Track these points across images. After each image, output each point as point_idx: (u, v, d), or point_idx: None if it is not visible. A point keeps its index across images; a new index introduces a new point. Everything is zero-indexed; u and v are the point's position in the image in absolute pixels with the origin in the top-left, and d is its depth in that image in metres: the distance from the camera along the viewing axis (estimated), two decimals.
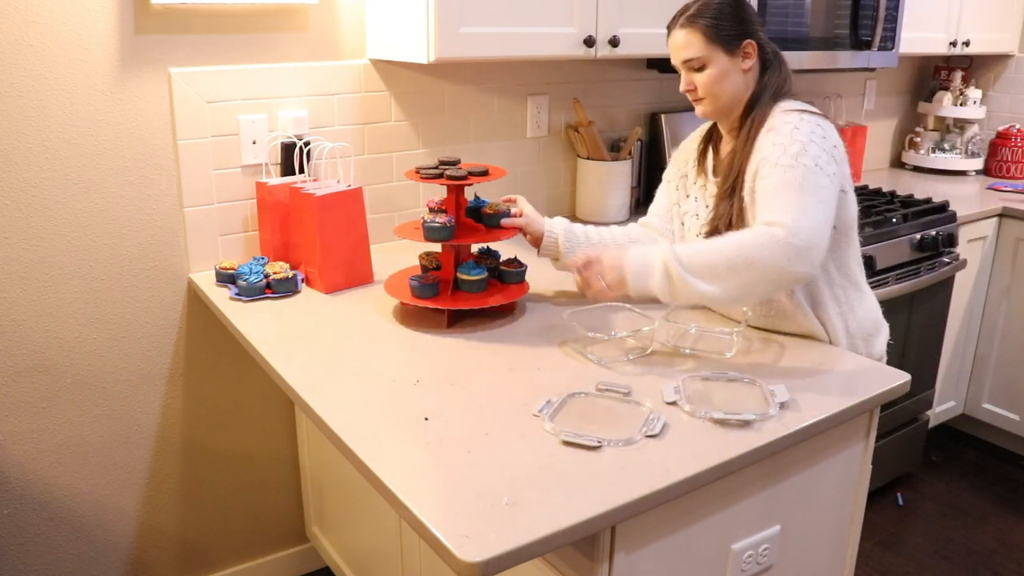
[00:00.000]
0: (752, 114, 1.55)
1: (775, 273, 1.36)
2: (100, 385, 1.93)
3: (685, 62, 1.55)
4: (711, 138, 1.70)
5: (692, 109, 1.62)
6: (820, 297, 1.56)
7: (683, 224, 1.72)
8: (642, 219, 1.86)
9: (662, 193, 1.81)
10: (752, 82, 1.56)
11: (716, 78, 1.54)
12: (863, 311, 1.63)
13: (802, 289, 1.54)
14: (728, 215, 1.54)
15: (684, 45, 1.54)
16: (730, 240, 1.41)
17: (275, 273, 1.79)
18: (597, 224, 1.82)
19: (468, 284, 1.64)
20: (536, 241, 1.74)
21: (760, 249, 1.35)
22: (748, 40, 1.53)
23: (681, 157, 1.77)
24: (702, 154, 1.69)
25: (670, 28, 1.57)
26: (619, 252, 1.47)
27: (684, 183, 1.73)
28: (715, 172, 1.65)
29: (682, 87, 1.59)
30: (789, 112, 1.52)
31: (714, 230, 1.57)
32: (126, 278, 1.90)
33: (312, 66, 2.01)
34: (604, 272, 1.47)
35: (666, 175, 1.82)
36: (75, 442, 1.93)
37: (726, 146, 1.64)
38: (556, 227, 1.74)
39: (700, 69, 1.54)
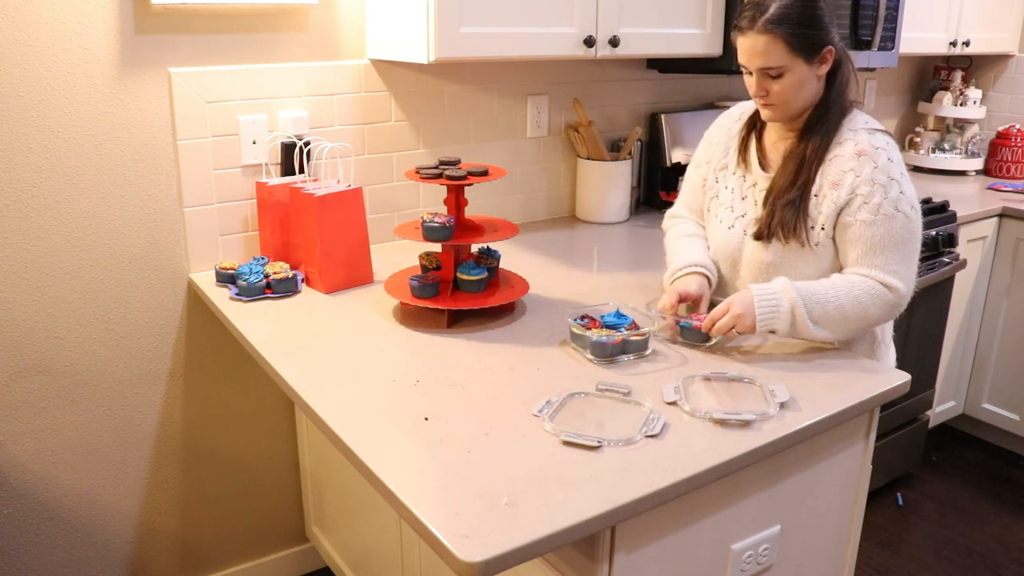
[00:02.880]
0: (826, 120, 1.52)
1: (876, 323, 1.52)
2: (100, 385, 1.93)
3: (762, 69, 1.48)
4: (753, 126, 1.65)
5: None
6: None
7: (715, 215, 1.68)
8: (671, 211, 1.83)
9: (693, 180, 1.76)
10: (822, 84, 1.52)
11: (794, 87, 1.48)
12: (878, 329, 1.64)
13: None
14: (792, 223, 1.52)
15: (763, 52, 1.45)
16: (848, 291, 1.47)
17: (275, 273, 1.79)
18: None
19: (468, 284, 1.64)
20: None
21: (873, 308, 1.47)
22: (828, 47, 1.47)
23: (718, 144, 1.70)
24: (744, 144, 1.65)
25: (743, 28, 1.47)
26: (745, 295, 1.49)
27: (724, 174, 1.68)
28: (762, 167, 1.61)
29: (753, 91, 1.52)
30: (874, 134, 1.50)
31: (765, 234, 1.55)
32: (126, 278, 1.90)
33: (312, 66, 2.01)
34: (734, 319, 1.47)
35: (697, 158, 1.76)
36: (75, 442, 1.93)
37: (779, 142, 1.60)
38: (709, 268, 1.67)
39: (777, 76, 1.47)
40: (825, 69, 1.50)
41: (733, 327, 1.47)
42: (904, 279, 1.48)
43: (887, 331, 1.67)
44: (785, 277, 1.50)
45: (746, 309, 1.47)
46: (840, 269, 1.54)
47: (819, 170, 1.51)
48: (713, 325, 1.48)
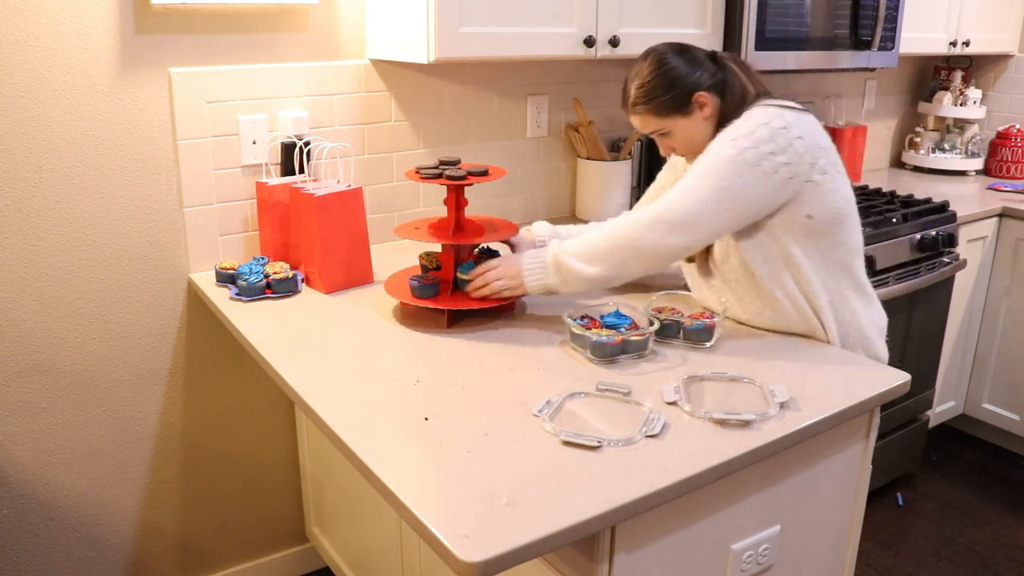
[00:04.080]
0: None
1: (648, 248, 1.49)
2: (100, 385, 1.93)
3: (652, 134, 1.62)
4: None
5: None
6: (812, 291, 1.53)
7: None
8: (638, 204, 1.86)
9: (658, 179, 1.84)
10: (717, 112, 1.57)
11: (687, 137, 1.59)
12: (866, 318, 1.61)
13: (794, 283, 1.53)
14: None
15: (643, 126, 1.61)
16: (616, 222, 1.54)
17: (275, 273, 1.79)
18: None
19: (467, 283, 1.64)
20: None
21: (635, 226, 1.49)
22: (696, 94, 1.55)
23: (673, 168, 1.80)
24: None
25: (623, 111, 1.63)
26: (515, 255, 1.59)
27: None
28: None
29: (662, 152, 1.66)
30: (752, 107, 1.52)
31: None
32: (126, 278, 1.90)
33: (312, 66, 2.01)
34: (502, 274, 1.58)
35: (658, 179, 1.85)
36: (75, 442, 1.93)
37: None
38: (544, 234, 1.80)
39: (668, 134, 1.60)
40: (708, 110, 1.56)
41: (499, 281, 1.56)
42: (674, 193, 1.47)
43: (882, 330, 1.66)
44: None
45: (514, 264, 1.57)
46: (777, 246, 1.52)
47: None
48: (476, 279, 1.58)
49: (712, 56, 1.59)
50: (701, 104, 1.55)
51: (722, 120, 1.56)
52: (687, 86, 1.55)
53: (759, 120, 1.47)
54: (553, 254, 1.54)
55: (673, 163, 1.81)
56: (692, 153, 1.58)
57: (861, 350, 1.60)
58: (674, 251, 1.50)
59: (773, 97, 1.56)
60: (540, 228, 1.83)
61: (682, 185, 1.49)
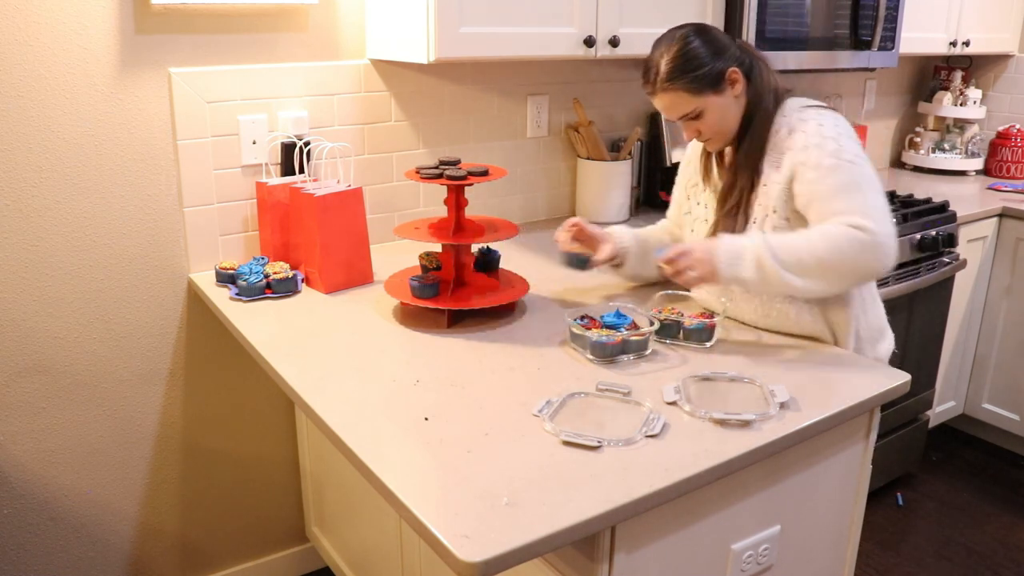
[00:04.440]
0: (754, 121, 1.55)
1: (864, 271, 1.43)
2: (100, 385, 1.93)
3: (681, 117, 1.55)
4: None
5: None
6: (838, 297, 1.54)
7: (692, 231, 1.72)
8: (663, 221, 1.87)
9: (675, 197, 1.83)
10: (745, 97, 1.56)
11: (718, 118, 1.54)
12: (873, 315, 1.63)
13: None
14: (733, 228, 1.56)
15: (673, 106, 1.54)
16: (821, 237, 1.42)
17: (275, 273, 1.79)
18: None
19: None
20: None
21: (851, 249, 1.40)
22: (730, 70, 1.52)
23: (692, 163, 1.76)
24: (706, 162, 1.69)
25: (648, 92, 1.56)
26: (709, 243, 1.48)
27: (695, 191, 1.73)
28: (721, 178, 1.65)
29: (687, 136, 1.60)
30: (804, 109, 1.52)
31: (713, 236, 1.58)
32: (126, 278, 1.90)
33: (312, 66, 2.01)
34: (695, 263, 1.46)
35: (678, 178, 1.82)
36: (75, 442, 1.93)
37: (729, 154, 1.64)
38: (625, 239, 1.76)
39: (698, 117, 1.54)
40: (739, 88, 1.54)
41: (692, 271, 1.45)
42: (873, 218, 1.41)
43: (881, 314, 1.67)
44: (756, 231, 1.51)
45: (707, 254, 1.45)
46: None
47: (763, 163, 1.54)
48: (670, 264, 1.47)
49: (733, 40, 1.58)
50: (733, 81, 1.52)
51: (751, 110, 1.54)
52: (723, 59, 1.51)
53: (831, 120, 1.49)
54: (757, 253, 1.43)
55: (678, 182, 1.79)
56: (720, 137, 1.56)
57: (870, 345, 1.61)
58: (882, 274, 1.46)
59: (797, 95, 1.57)
60: (619, 232, 1.78)
61: (856, 203, 1.42)
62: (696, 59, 1.50)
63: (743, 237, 1.48)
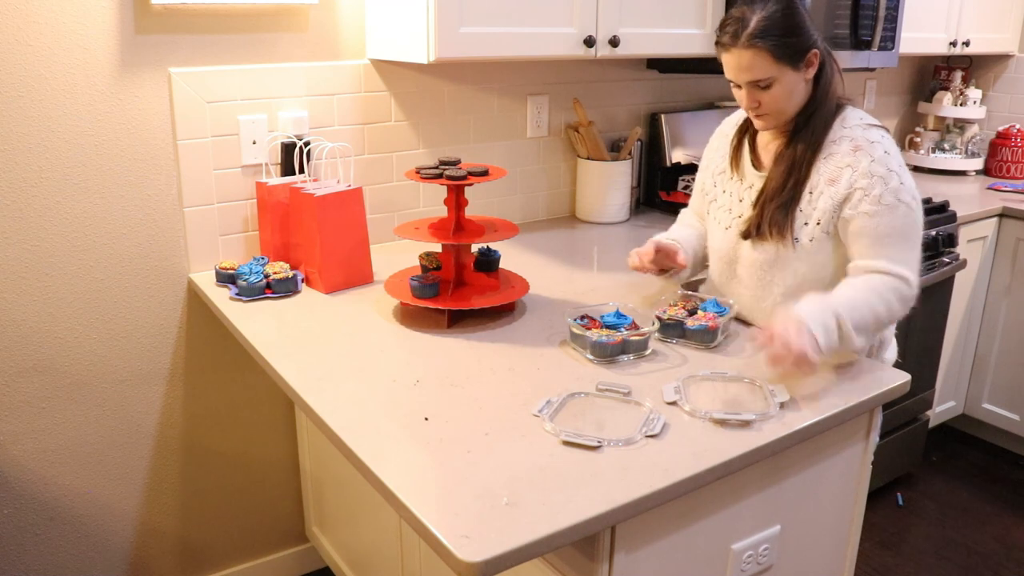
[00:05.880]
0: (814, 120, 1.52)
1: (896, 320, 1.51)
2: (100, 385, 1.93)
3: (751, 82, 1.48)
4: (745, 131, 1.66)
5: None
6: None
7: (713, 217, 1.70)
8: (684, 211, 1.86)
9: (698, 185, 1.80)
10: (810, 86, 1.53)
11: (785, 95, 1.49)
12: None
13: None
14: (781, 224, 1.53)
15: (749, 66, 1.46)
16: (878, 297, 1.43)
17: (275, 273, 1.79)
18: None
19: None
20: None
21: (896, 304, 1.45)
22: (813, 50, 1.48)
23: (718, 150, 1.73)
24: (736, 149, 1.66)
25: (726, 44, 1.47)
26: (794, 321, 1.34)
27: (722, 179, 1.70)
28: (756, 168, 1.62)
29: (745, 104, 1.53)
30: (869, 129, 1.51)
31: (754, 233, 1.56)
32: (126, 278, 1.90)
33: (312, 66, 2.01)
34: (791, 344, 1.31)
35: (702, 163, 1.79)
36: (75, 442, 1.93)
37: (771, 143, 1.60)
38: (685, 246, 1.75)
39: (767, 87, 1.48)
40: (812, 72, 1.51)
41: (793, 360, 1.31)
42: (914, 270, 1.47)
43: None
44: (813, 294, 1.44)
45: (803, 336, 1.31)
46: (835, 267, 1.53)
47: (814, 168, 1.52)
48: (762, 349, 1.35)
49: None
50: (810, 63, 1.49)
51: (811, 101, 1.52)
52: (810, 36, 1.47)
53: (895, 149, 1.50)
54: (837, 319, 1.37)
55: (702, 167, 1.77)
56: (778, 115, 1.52)
57: (874, 355, 1.62)
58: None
59: (855, 104, 1.57)
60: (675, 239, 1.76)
61: (903, 254, 1.46)
62: (792, 25, 1.44)
63: (811, 305, 1.39)
